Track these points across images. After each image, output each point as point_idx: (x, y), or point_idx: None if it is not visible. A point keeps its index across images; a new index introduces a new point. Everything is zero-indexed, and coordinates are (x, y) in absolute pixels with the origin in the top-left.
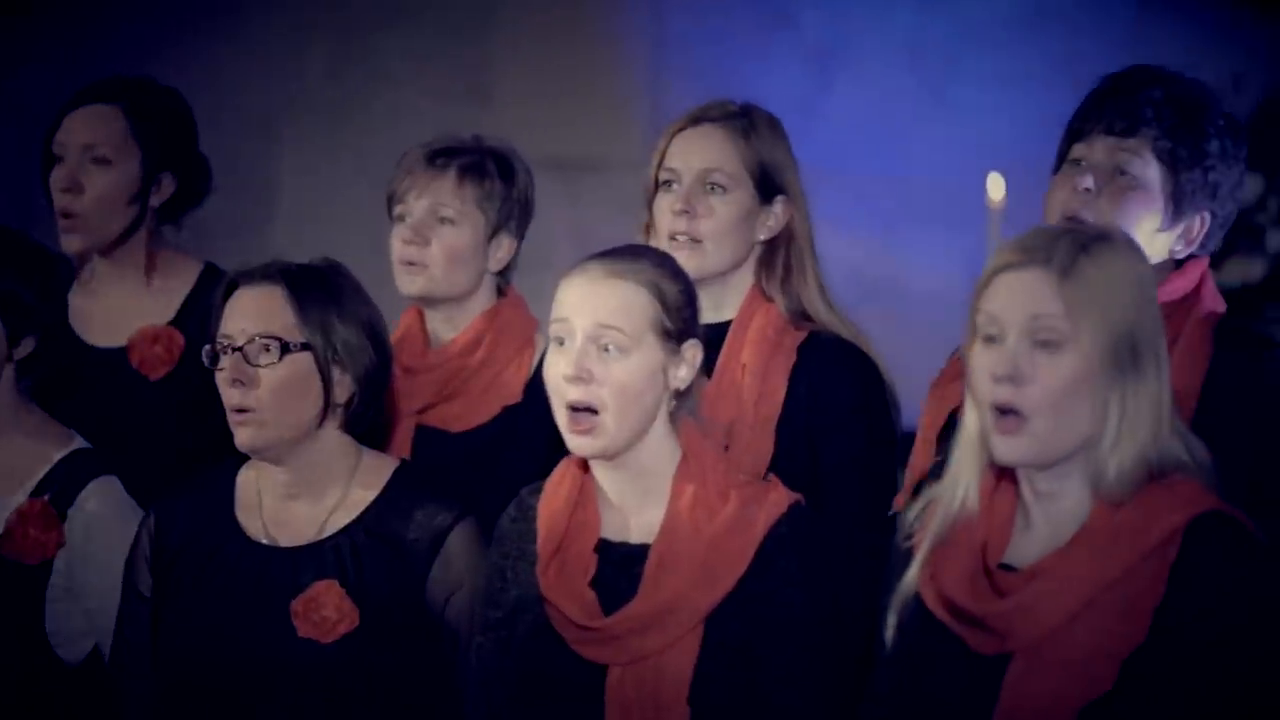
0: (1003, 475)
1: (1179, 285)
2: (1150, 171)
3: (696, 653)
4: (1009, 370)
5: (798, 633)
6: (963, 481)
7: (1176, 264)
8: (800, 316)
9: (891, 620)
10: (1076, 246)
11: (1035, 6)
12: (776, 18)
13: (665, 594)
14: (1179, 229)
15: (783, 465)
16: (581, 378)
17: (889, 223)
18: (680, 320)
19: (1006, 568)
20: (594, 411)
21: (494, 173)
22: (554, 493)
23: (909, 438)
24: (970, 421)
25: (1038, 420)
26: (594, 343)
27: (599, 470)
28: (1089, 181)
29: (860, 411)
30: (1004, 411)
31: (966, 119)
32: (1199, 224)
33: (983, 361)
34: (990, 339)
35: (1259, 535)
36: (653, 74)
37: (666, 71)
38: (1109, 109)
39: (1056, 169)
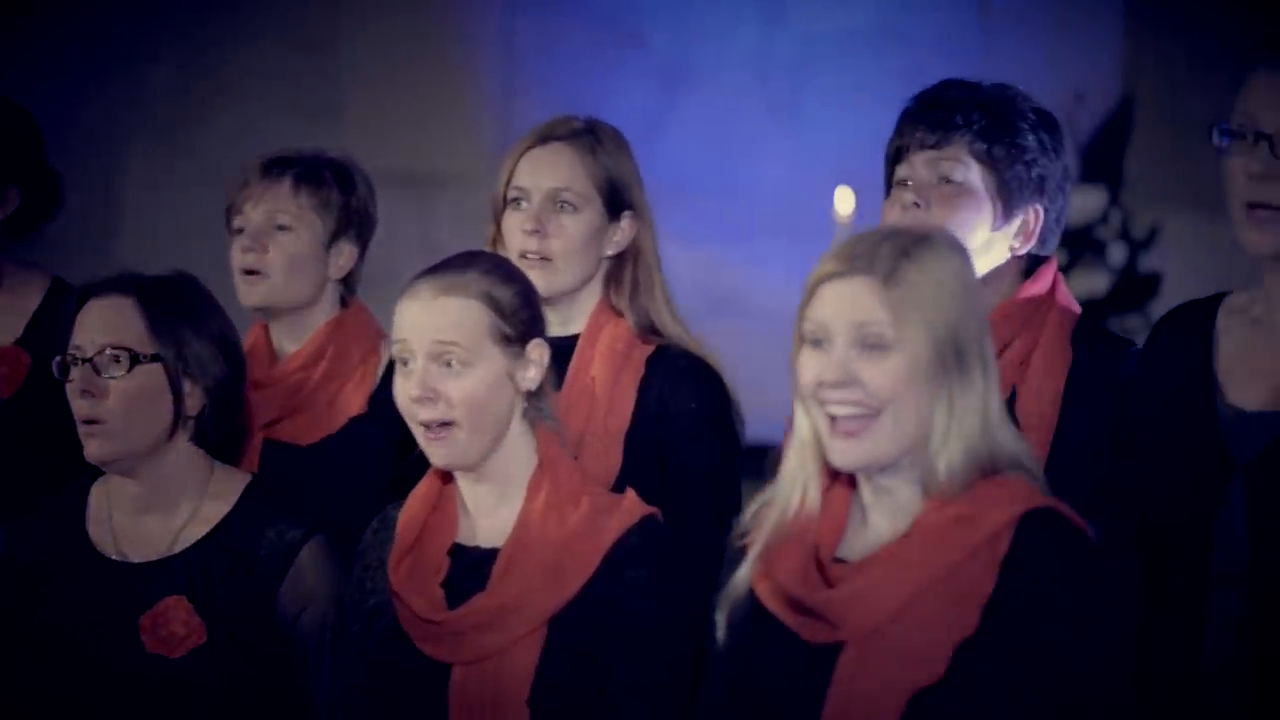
0: (837, 475)
1: (1034, 289)
2: (972, 175)
3: (538, 654)
4: (839, 376)
5: (648, 644)
6: (799, 482)
7: (1027, 271)
8: (648, 330)
9: (721, 619)
10: (898, 251)
11: (880, 23)
12: (626, 36)
13: (510, 592)
14: (1014, 226)
15: (631, 477)
16: (428, 397)
17: (736, 237)
18: (519, 323)
19: (842, 562)
20: (447, 424)
21: (331, 180)
22: (413, 498)
23: (753, 450)
24: (802, 425)
25: (875, 422)
26: (435, 361)
27: (460, 478)
28: (915, 197)
29: (708, 424)
30: (839, 417)
31: (814, 134)
32: (1034, 218)
33: (810, 366)
34: (817, 343)
35: (1088, 533)
36: (503, 90)
37: (516, 88)
38: (920, 125)
39: (887, 194)
